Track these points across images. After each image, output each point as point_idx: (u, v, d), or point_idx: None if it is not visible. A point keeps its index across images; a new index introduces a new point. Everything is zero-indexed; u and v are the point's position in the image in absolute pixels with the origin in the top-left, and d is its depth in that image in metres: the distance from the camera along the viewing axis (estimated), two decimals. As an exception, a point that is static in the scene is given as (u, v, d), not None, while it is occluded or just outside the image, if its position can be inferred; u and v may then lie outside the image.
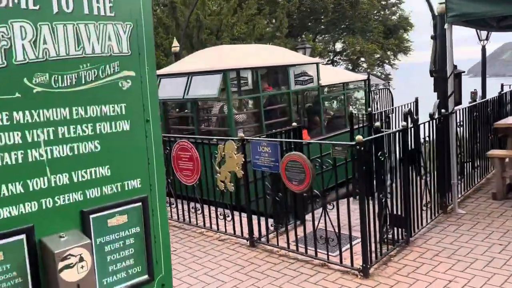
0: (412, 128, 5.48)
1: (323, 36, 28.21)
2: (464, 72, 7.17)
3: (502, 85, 11.22)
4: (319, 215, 5.27)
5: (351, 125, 8.24)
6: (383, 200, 5.08)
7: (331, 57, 28.99)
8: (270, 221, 5.98)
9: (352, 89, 10.74)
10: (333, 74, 10.66)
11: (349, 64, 28.66)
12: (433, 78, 7.51)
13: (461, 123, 7.24)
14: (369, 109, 8.14)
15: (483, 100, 8.16)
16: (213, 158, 6.21)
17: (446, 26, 6.24)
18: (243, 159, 5.74)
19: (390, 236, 5.30)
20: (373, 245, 4.97)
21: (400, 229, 5.49)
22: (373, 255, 4.97)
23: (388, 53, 29.54)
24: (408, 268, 4.93)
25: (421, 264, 5.00)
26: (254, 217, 5.94)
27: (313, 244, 5.31)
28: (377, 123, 5.81)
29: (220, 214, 6.38)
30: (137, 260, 2.22)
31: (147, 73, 2.20)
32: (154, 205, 2.27)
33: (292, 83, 9.19)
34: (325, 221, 5.06)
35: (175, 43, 12.56)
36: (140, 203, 2.21)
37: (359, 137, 4.53)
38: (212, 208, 6.71)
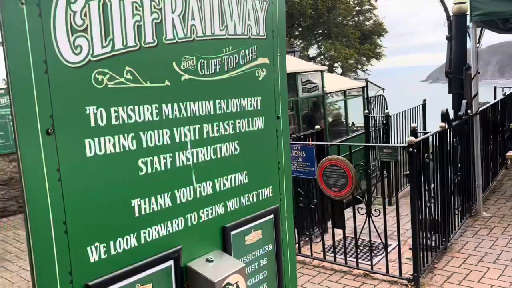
0: (449, 129, 5.28)
1: (299, 41, 28.21)
2: (479, 73, 7.06)
3: (495, 88, 11.34)
4: (349, 221, 5.01)
5: (367, 127, 8.03)
6: (428, 205, 4.83)
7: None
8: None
9: (352, 96, 10.61)
10: (334, 81, 10.48)
11: (323, 70, 28.70)
12: (448, 79, 7.37)
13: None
14: (387, 111, 7.96)
15: (493, 102, 8.11)
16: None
17: (471, 25, 6.11)
18: (271, 165, 5.39)
19: (432, 242, 5.05)
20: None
21: (438, 235, 5.26)
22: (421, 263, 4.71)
23: (362, 58, 29.82)
24: (458, 276, 4.69)
25: (469, 271, 4.78)
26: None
27: (345, 253, 5.03)
28: (414, 124, 5.59)
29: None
30: (270, 284, 1.86)
31: (279, 61, 1.85)
32: (283, 218, 1.92)
33: (300, 90, 8.94)
34: (369, 228, 4.76)
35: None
36: (272, 216, 1.86)
37: (411, 139, 4.28)
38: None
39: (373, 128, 9.48)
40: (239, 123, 1.68)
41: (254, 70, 1.73)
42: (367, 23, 29.63)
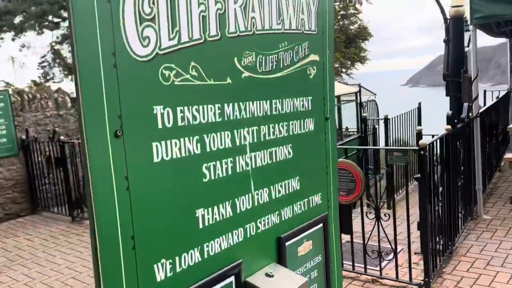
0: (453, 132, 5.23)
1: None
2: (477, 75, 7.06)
3: (485, 91, 11.43)
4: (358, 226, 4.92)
5: (365, 130, 7.95)
6: (437, 208, 4.77)
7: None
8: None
9: (345, 101, 10.55)
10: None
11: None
12: (445, 82, 7.35)
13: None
14: (386, 114, 7.92)
15: (490, 105, 8.14)
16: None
17: (471, 28, 6.10)
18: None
19: (439, 246, 4.99)
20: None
21: (445, 239, 5.20)
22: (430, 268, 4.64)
23: (347, 62, 29.97)
24: (468, 280, 4.63)
25: (478, 275, 4.72)
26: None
27: (352, 258, 4.93)
28: (419, 127, 5.53)
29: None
30: (319, 298, 1.74)
31: (328, 58, 1.73)
32: (331, 227, 1.80)
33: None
34: (378, 233, 4.67)
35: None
36: (321, 225, 1.73)
37: (423, 142, 4.20)
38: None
39: (370, 132, 9.44)
40: (292, 124, 1.56)
41: (306, 67, 1.61)
42: (352, 27, 29.83)
